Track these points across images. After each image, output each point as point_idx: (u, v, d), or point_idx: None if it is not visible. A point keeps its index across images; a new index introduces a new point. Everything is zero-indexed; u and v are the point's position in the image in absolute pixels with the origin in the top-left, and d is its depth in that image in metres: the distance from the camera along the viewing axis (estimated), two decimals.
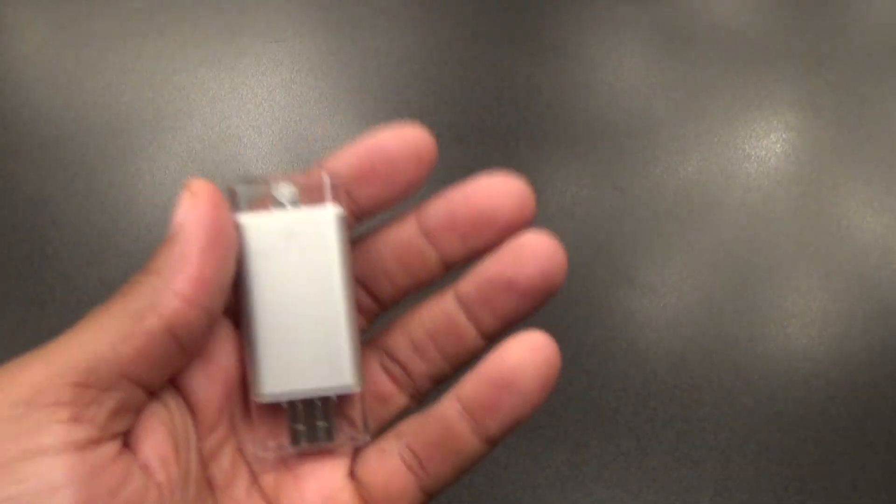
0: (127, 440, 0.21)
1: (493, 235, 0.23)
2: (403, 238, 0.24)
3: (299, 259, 0.23)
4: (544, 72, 0.68)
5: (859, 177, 0.63)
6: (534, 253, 0.23)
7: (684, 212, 0.61)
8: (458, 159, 0.62)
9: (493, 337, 0.24)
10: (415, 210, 0.24)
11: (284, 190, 0.23)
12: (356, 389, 0.23)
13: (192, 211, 0.21)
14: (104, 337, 0.20)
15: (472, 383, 0.23)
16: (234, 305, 0.24)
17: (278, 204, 0.23)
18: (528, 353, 0.23)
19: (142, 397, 0.21)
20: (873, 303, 0.57)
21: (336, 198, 0.23)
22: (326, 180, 0.23)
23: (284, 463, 0.24)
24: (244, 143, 0.62)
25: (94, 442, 0.20)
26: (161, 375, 0.21)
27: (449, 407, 0.23)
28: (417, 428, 0.24)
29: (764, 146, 0.65)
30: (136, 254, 0.56)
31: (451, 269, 0.24)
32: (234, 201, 0.23)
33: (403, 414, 0.25)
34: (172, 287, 0.21)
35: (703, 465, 0.51)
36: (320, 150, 0.62)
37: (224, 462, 0.23)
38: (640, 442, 0.51)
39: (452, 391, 0.23)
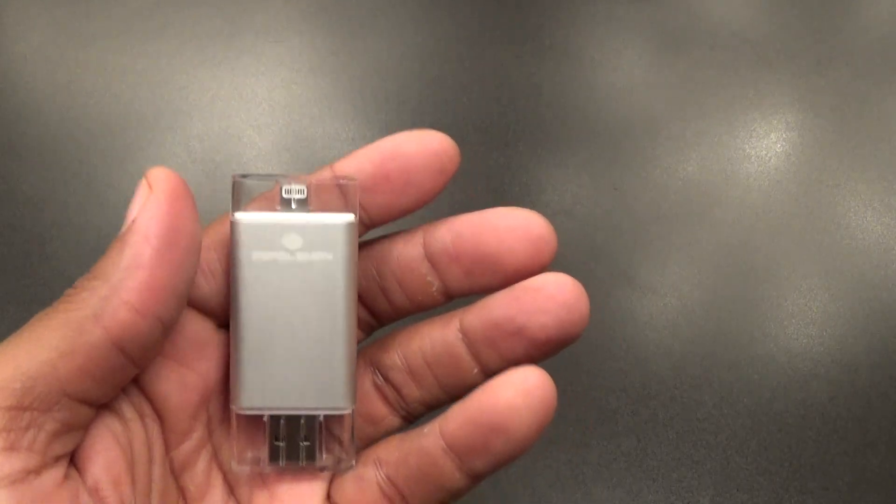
0: (74, 460, 0.19)
1: (500, 279, 0.21)
2: (406, 259, 0.22)
3: (301, 266, 0.21)
4: (544, 72, 0.68)
5: (859, 177, 0.63)
6: (551, 300, 0.21)
7: (684, 212, 0.61)
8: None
9: (496, 372, 0.22)
10: (423, 229, 0.22)
11: (294, 190, 0.22)
12: (347, 411, 0.22)
13: (148, 206, 0.19)
14: (41, 353, 0.18)
15: (458, 422, 0.21)
16: (223, 306, 0.22)
17: (286, 205, 0.22)
18: (520, 397, 0.21)
19: (87, 414, 0.19)
20: (873, 303, 0.57)
21: (349, 205, 0.21)
22: (344, 185, 0.21)
23: (261, 479, 0.22)
24: (244, 143, 0.62)
25: (34, 471, 0.18)
26: (109, 390, 0.19)
27: (433, 443, 0.21)
28: (399, 459, 0.22)
29: (764, 146, 0.65)
30: None
31: (455, 298, 0.22)
32: (238, 196, 0.22)
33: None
34: (120, 295, 0.18)
35: (703, 465, 0.51)
36: (320, 149, 0.62)
37: (198, 472, 0.22)
38: (640, 442, 0.51)
39: (437, 423, 0.21)
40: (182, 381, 0.21)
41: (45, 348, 0.18)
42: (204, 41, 0.68)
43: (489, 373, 0.22)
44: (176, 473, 0.22)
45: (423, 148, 0.21)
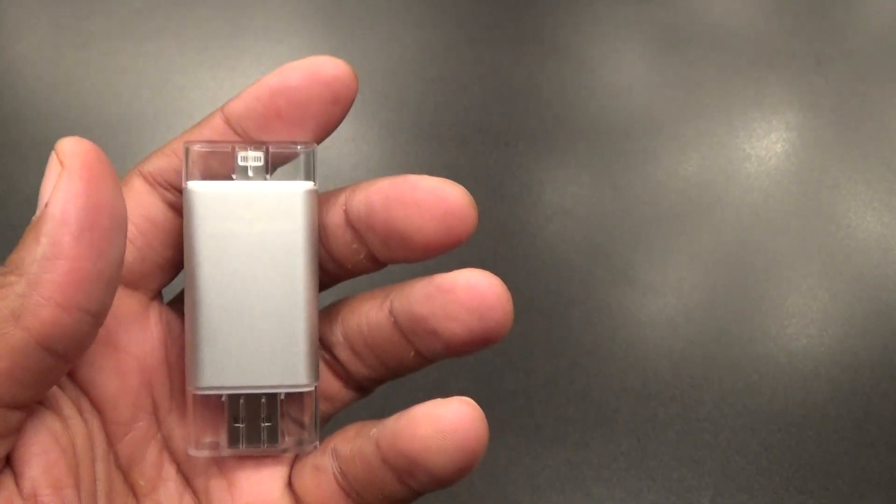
0: (11, 464, 0.18)
1: (416, 254, 0.20)
2: (331, 226, 0.21)
3: (259, 237, 0.20)
4: (544, 72, 0.68)
5: (859, 177, 0.63)
6: (461, 306, 0.19)
7: (684, 212, 0.61)
8: (458, 159, 0.62)
9: (432, 360, 0.21)
10: (345, 193, 0.20)
11: (250, 158, 0.20)
12: (310, 388, 0.21)
13: (62, 186, 0.16)
14: None
15: (388, 442, 0.20)
16: (150, 274, 0.20)
17: (242, 172, 0.20)
18: (435, 437, 0.19)
19: (17, 418, 0.17)
20: (873, 303, 0.57)
21: (307, 171, 0.20)
22: (303, 150, 0.20)
23: (218, 465, 0.21)
24: None
25: None
26: (39, 390, 0.17)
27: (372, 453, 0.20)
28: (349, 456, 0.20)
29: (764, 146, 0.65)
30: None
31: (386, 265, 0.21)
32: (189, 164, 0.20)
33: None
34: (40, 291, 0.16)
35: (703, 465, 0.51)
36: (320, 149, 0.62)
37: (147, 464, 0.20)
38: (640, 442, 0.51)
39: (377, 431, 0.20)
40: (117, 367, 0.20)
41: None
42: (204, 41, 0.68)
43: (426, 357, 0.21)
44: (124, 469, 0.20)
45: (310, 78, 0.19)
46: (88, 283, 0.17)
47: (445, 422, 0.19)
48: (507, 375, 0.52)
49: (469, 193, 0.19)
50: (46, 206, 0.17)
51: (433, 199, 0.19)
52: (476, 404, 0.19)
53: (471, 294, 0.19)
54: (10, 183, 0.59)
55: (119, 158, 0.62)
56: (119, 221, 0.17)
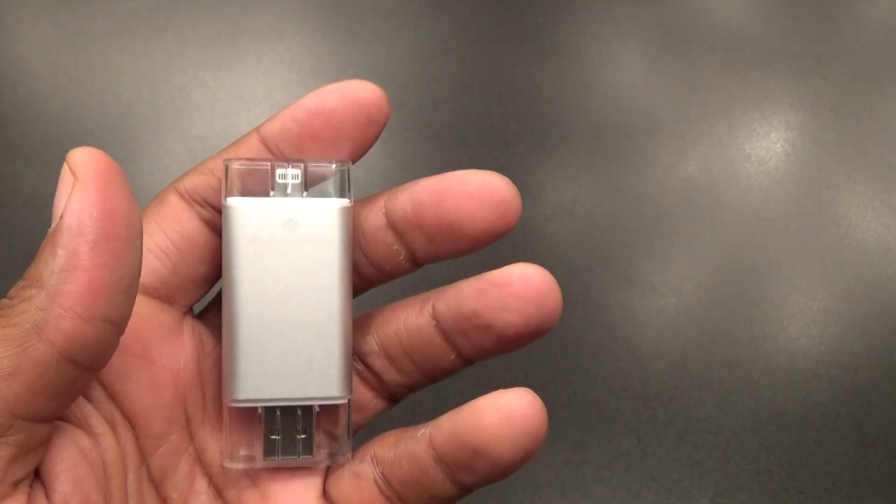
0: (42, 478, 0.18)
1: (464, 245, 0.20)
2: (370, 229, 0.21)
3: (296, 253, 0.20)
4: (544, 72, 0.68)
5: (859, 177, 0.63)
6: (517, 297, 0.20)
7: (684, 212, 0.61)
8: (458, 159, 0.62)
9: (474, 361, 0.22)
10: (383, 196, 0.21)
11: (289, 175, 0.21)
12: (344, 401, 0.21)
13: (76, 197, 0.17)
14: None
15: (446, 436, 0.20)
16: (182, 289, 0.21)
17: (280, 189, 0.21)
18: (504, 425, 0.20)
19: (44, 431, 0.18)
20: (873, 303, 0.57)
21: (343, 188, 0.21)
22: (339, 168, 0.21)
23: (250, 478, 0.21)
24: None
25: None
26: (64, 402, 0.18)
27: (424, 451, 0.21)
28: (394, 460, 0.21)
29: (764, 146, 0.65)
30: None
31: (424, 264, 0.22)
32: (228, 181, 0.20)
33: (379, 418, 0.23)
34: (61, 303, 0.16)
35: (703, 465, 0.51)
36: None
37: (180, 477, 0.21)
38: (640, 442, 0.51)
39: (428, 429, 0.21)
40: (151, 381, 0.20)
41: None
42: (204, 42, 0.68)
43: (467, 358, 0.21)
44: (156, 482, 0.20)
45: (347, 100, 0.20)
46: (108, 292, 0.17)
47: (512, 409, 0.20)
48: (506, 376, 0.52)
49: (513, 183, 0.20)
50: (62, 217, 0.17)
51: (485, 190, 0.20)
52: (535, 393, 0.20)
53: (527, 285, 0.20)
54: (10, 183, 0.59)
55: (119, 158, 0.62)
56: (135, 229, 0.17)
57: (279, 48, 0.68)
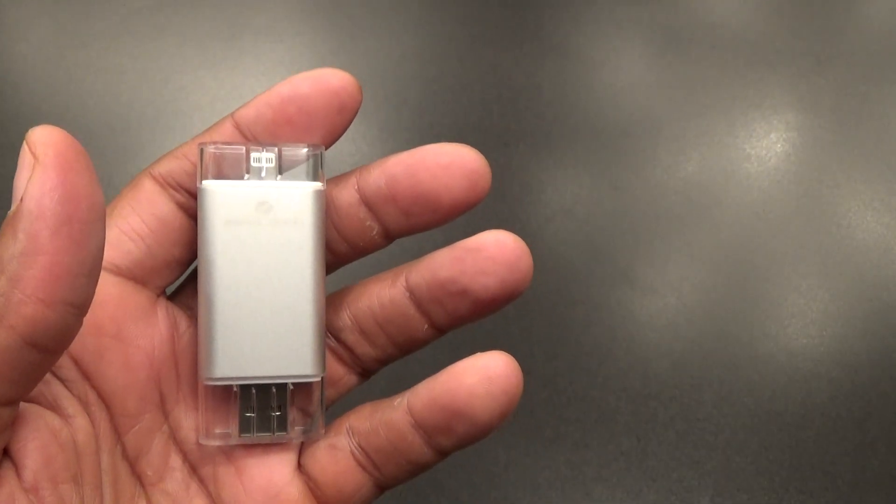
0: (9, 455, 0.18)
1: (439, 216, 0.21)
2: (343, 205, 0.22)
3: (270, 234, 0.21)
4: (544, 72, 0.68)
5: (859, 177, 0.63)
6: (492, 261, 0.21)
7: (684, 212, 0.61)
8: None
9: (446, 330, 0.22)
10: (355, 174, 0.22)
11: (263, 158, 0.21)
12: (317, 378, 0.22)
13: (36, 179, 0.16)
14: None
15: (424, 401, 0.21)
16: (156, 270, 0.21)
17: (255, 172, 0.21)
18: (482, 384, 0.21)
19: (8, 414, 0.17)
20: (873, 303, 0.57)
21: (316, 173, 0.22)
22: (309, 153, 0.21)
23: (225, 454, 0.22)
24: None
25: None
26: (28, 385, 0.18)
27: (402, 419, 0.21)
28: (370, 429, 0.22)
29: (764, 146, 0.65)
30: None
31: (395, 239, 0.22)
32: (203, 164, 0.21)
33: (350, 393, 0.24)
34: (21, 288, 0.16)
35: (703, 465, 0.51)
36: None
37: (154, 454, 0.21)
38: (640, 442, 0.51)
39: (406, 397, 0.21)
40: (126, 361, 0.20)
41: None
42: (204, 42, 0.68)
43: (439, 328, 0.22)
44: (130, 460, 0.21)
45: (319, 87, 0.20)
46: (70, 276, 0.16)
47: (490, 369, 0.21)
48: None
49: (482, 154, 0.21)
50: (21, 200, 0.16)
51: (458, 161, 0.21)
52: (512, 356, 0.21)
53: (501, 249, 0.21)
54: (10, 183, 0.59)
55: (119, 158, 0.62)
56: (97, 211, 0.17)
57: (279, 48, 0.68)
